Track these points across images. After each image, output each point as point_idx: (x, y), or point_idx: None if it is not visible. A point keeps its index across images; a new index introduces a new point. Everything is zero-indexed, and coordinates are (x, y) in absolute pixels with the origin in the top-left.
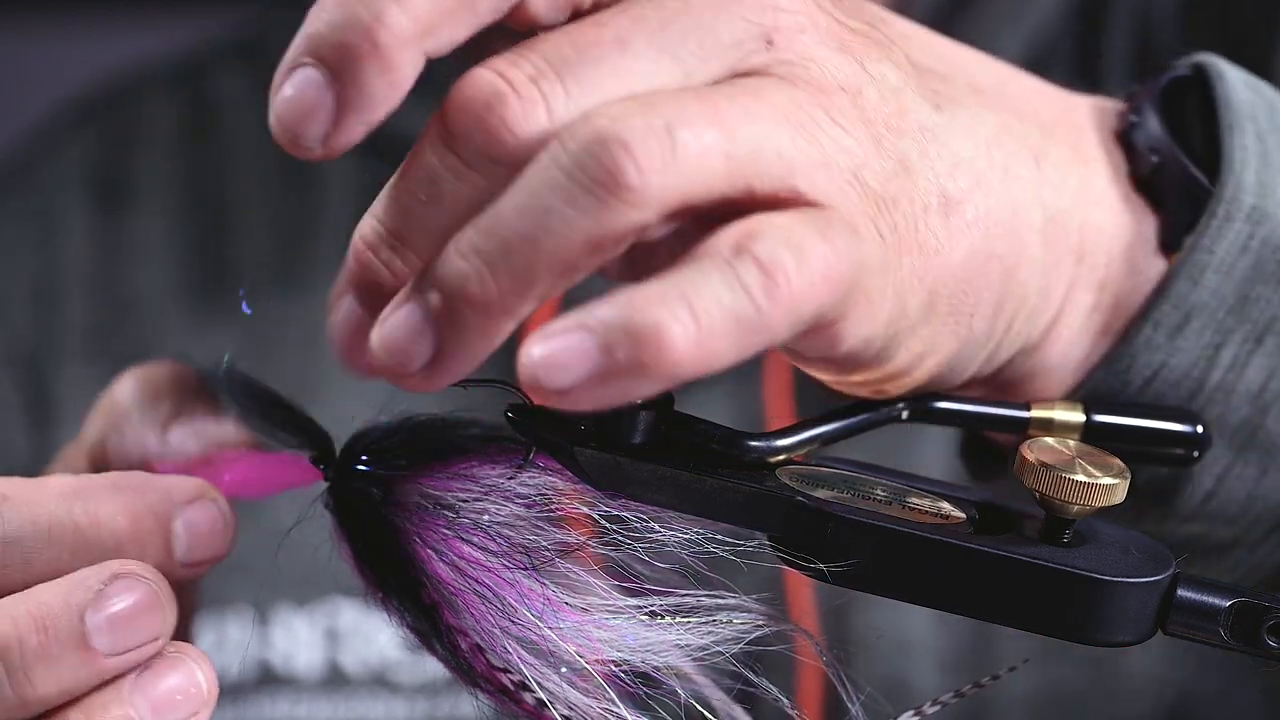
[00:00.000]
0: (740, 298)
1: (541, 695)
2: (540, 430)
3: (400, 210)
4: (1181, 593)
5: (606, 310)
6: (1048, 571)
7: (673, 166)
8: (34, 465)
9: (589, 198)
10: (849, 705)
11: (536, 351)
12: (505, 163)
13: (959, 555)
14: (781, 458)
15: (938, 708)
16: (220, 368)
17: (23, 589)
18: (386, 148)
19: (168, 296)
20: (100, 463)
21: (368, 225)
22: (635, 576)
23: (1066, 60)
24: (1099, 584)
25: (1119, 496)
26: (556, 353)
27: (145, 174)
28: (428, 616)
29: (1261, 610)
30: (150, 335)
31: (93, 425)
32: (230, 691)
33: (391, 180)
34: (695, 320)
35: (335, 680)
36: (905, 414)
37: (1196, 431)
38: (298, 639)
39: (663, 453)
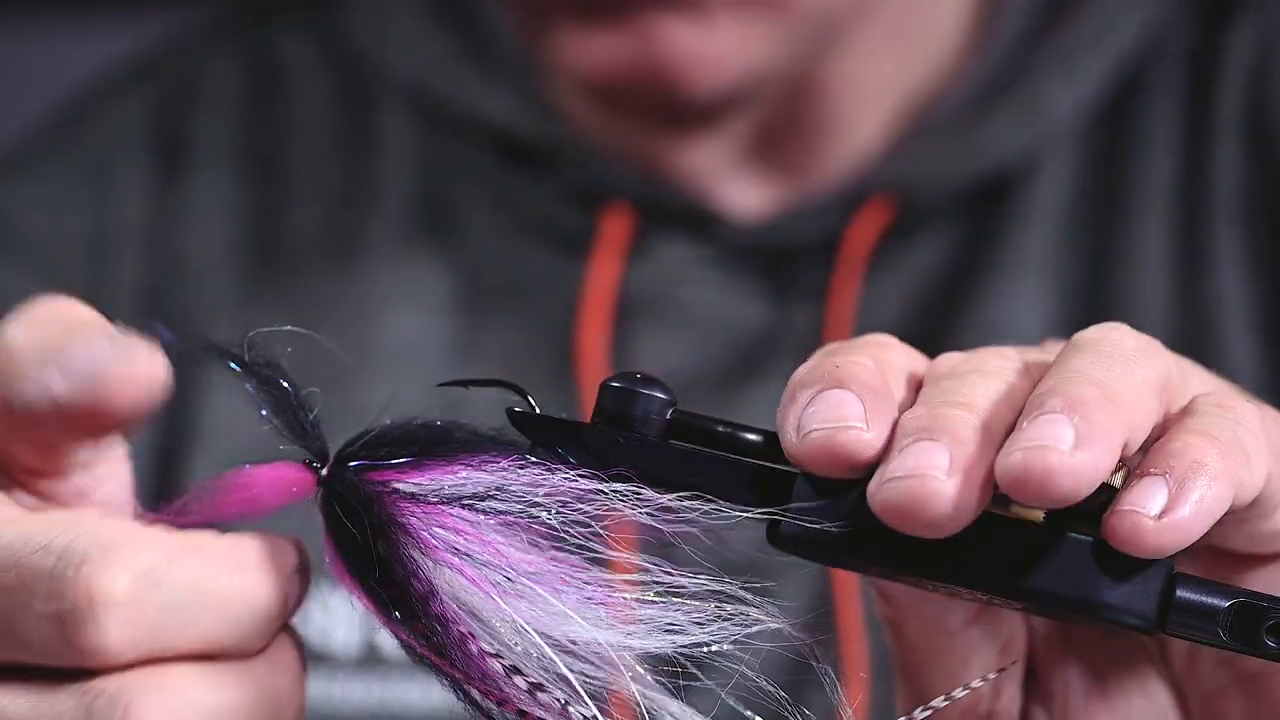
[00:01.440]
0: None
1: (534, 679)
2: (541, 430)
3: None
4: (1180, 593)
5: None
6: (1053, 541)
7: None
8: None
9: None
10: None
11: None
12: None
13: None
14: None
15: (928, 713)
16: (247, 340)
17: (173, 656)
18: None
19: (221, 259)
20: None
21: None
22: (636, 573)
23: (1171, 107)
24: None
25: (1118, 480)
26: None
27: (205, 134)
28: (415, 613)
29: (1261, 610)
30: (201, 297)
31: None
32: None
33: None
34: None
35: (371, 660)
36: None
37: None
38: (335, 616)
39: (667, 444)
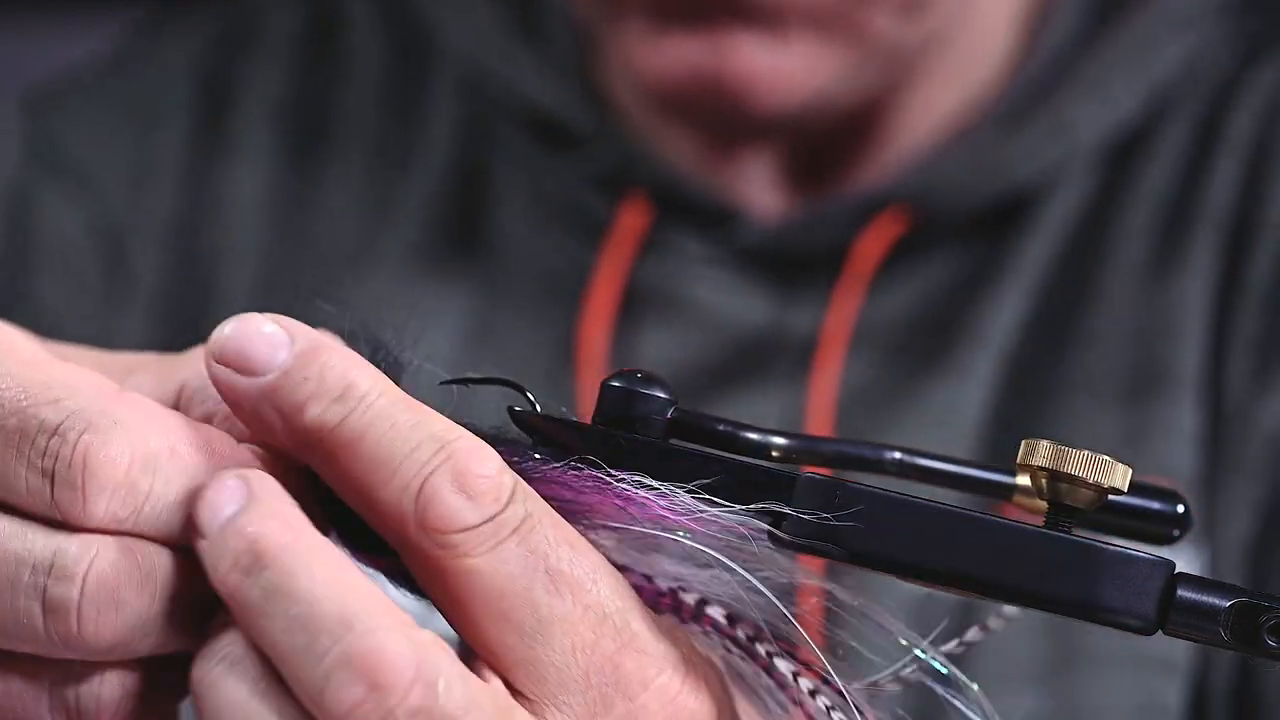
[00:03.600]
0: None
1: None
2: (544, 428)
3: None
4: (1181, 592)
5: None
6: (1054, 541)
7: None
8: (101, 335)
9: None
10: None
11: None
12: None
13: (958, 521)
14: (776, 455)
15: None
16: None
17: (149, 536)
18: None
19: (257, 202)
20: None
21: None
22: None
23: (1186, 130)
24: (1100, 550)
25: (1120, 479)
26: None
27: (256, 80)
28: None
29: (1261, 610)
30: (233, 238)
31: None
32: None
33: None
34: None
35: None
36: (894, 468)
37: (1177, 511)
38: None
39: (668, 444)
